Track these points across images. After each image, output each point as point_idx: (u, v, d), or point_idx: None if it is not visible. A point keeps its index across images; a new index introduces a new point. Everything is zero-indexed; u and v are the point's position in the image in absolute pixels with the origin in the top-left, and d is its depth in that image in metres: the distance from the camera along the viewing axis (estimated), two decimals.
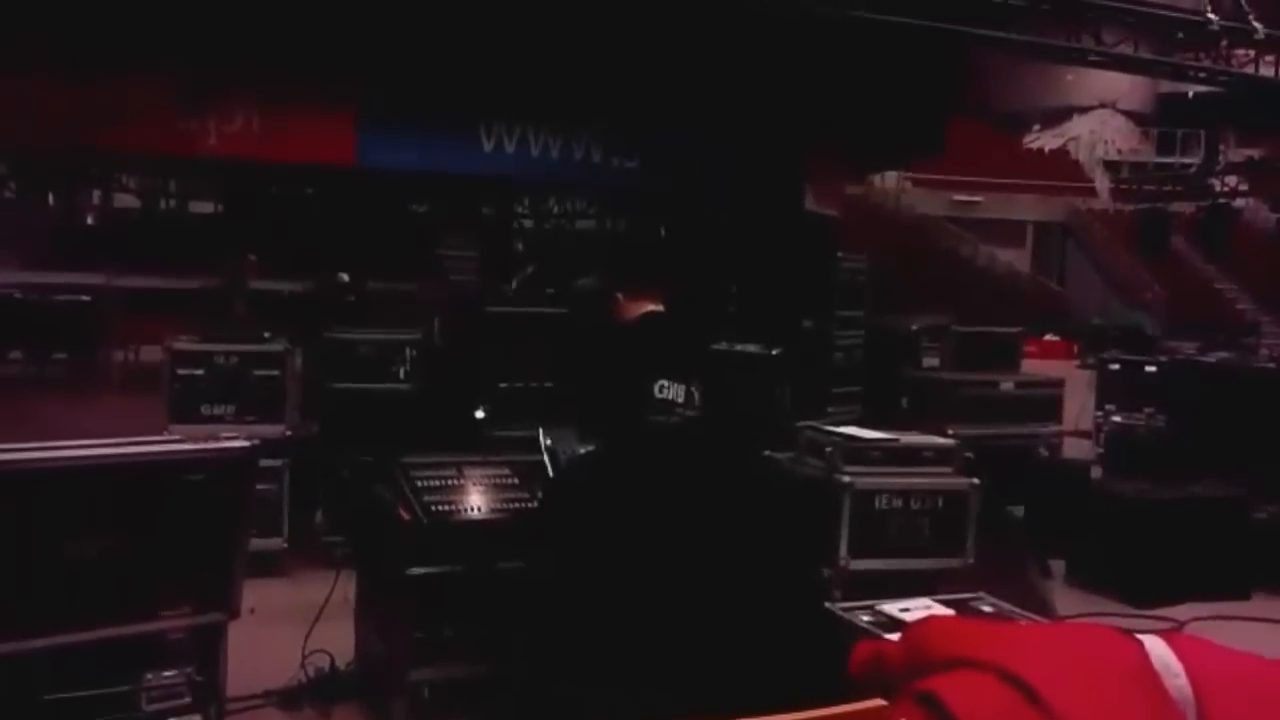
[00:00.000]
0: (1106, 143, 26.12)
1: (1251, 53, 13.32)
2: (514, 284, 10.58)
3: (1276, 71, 13.42)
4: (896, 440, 4.88)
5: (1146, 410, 9.86)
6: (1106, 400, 10.63)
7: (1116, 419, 10.20)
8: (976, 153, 27.29)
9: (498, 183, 15.45)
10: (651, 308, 3.83)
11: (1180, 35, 12.41)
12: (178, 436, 3.98)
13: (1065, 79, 18.45)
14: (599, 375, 3.91)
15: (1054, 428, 9.08)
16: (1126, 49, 12.41)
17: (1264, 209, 30.12)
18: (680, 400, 3.63)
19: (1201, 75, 13.51)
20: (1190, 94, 18.02)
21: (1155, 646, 1.91)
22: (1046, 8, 11.30)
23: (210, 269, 10.83)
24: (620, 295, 3.88)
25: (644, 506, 3.56)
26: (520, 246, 18.28)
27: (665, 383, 3.62)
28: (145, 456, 3.32)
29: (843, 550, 4.56)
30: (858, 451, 4.75)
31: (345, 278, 9.42)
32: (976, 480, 4.84)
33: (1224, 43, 12.75)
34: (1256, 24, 12.42)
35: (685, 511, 3.63)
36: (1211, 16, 11.99)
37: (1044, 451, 8.76)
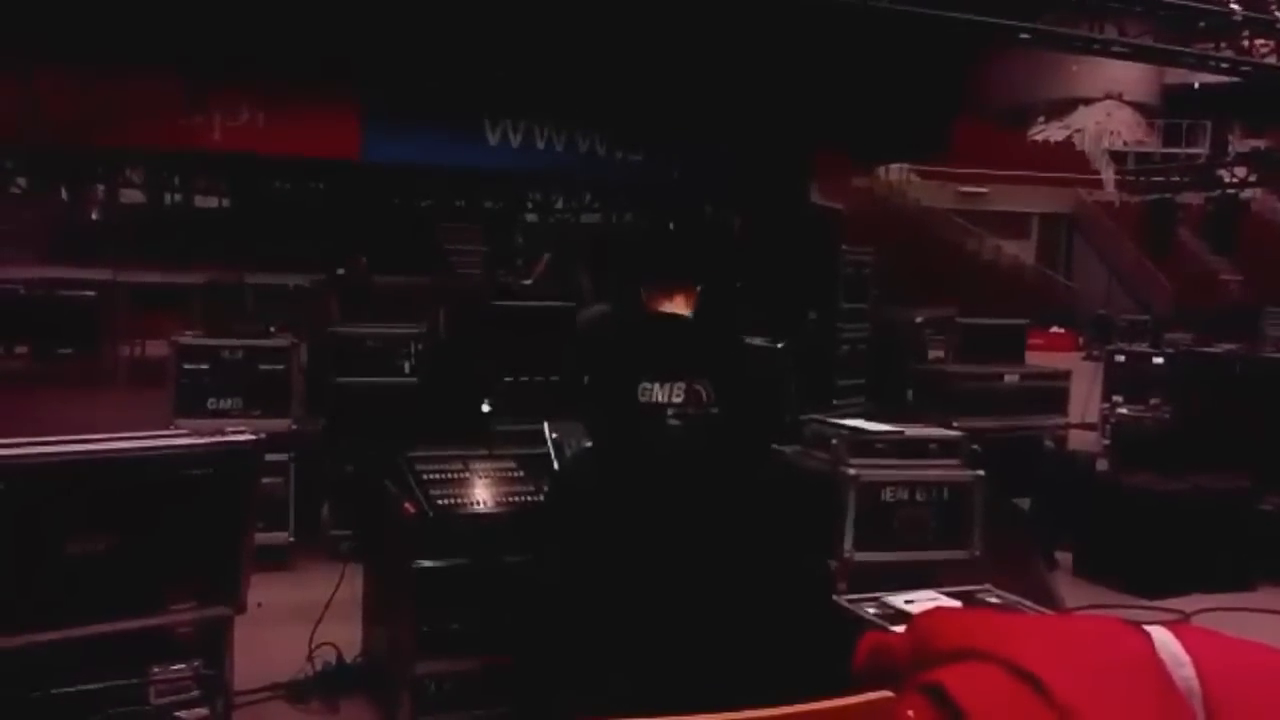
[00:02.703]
0: (1112, 134, 25.99)
1: (1270, 43, 13.25)
2: (531, 279, 10.53)
3: None
4: (901, 433, 4.87)
5: (1153, 402, 9.85)
6: (1113, 392, 10.63)
7: (1123, 411, 10.19)
8: (982, 145, 27.22)
9: (502, 177, 15.49)
10: (673, 309, 3.71)
11: (1202, 25, 12.38)
12: (183, 431, 3.99)
13: (1070, 70, 18.36)
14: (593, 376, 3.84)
15: (1060, 420, 9.07)
16: (1148, 40, 12.38)
17: (1272, 199, 30.01)
18: (679, 399, 3.55)
19: (1224, 66, 13.47)
20: (1196, 85, 17.93)
21: (1162, 637, 1.91)
22: None
23: (213, 265, 10.87)
24: (647, 292, 3.76)
25: (650, 499, 3.55)
26: (520, 240, 18.28)
27: (648, 385, 3.51)
28: (151, 451, 3.32)
29: (848, 543, 4.55)
30: (863, 444, 4.74)
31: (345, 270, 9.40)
32: (982, 472, 4.83)
33: (1245, 33, 12.71)
34: (1279, 14, 12.38)
35: (691, 504, 3.62)
36: (1234, 6, 11.96)
37: (1050, 443, 8.75)
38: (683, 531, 3.53)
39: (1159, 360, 10.37)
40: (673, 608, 3.47)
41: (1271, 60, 13.33)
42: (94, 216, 17.22)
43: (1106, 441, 10.08)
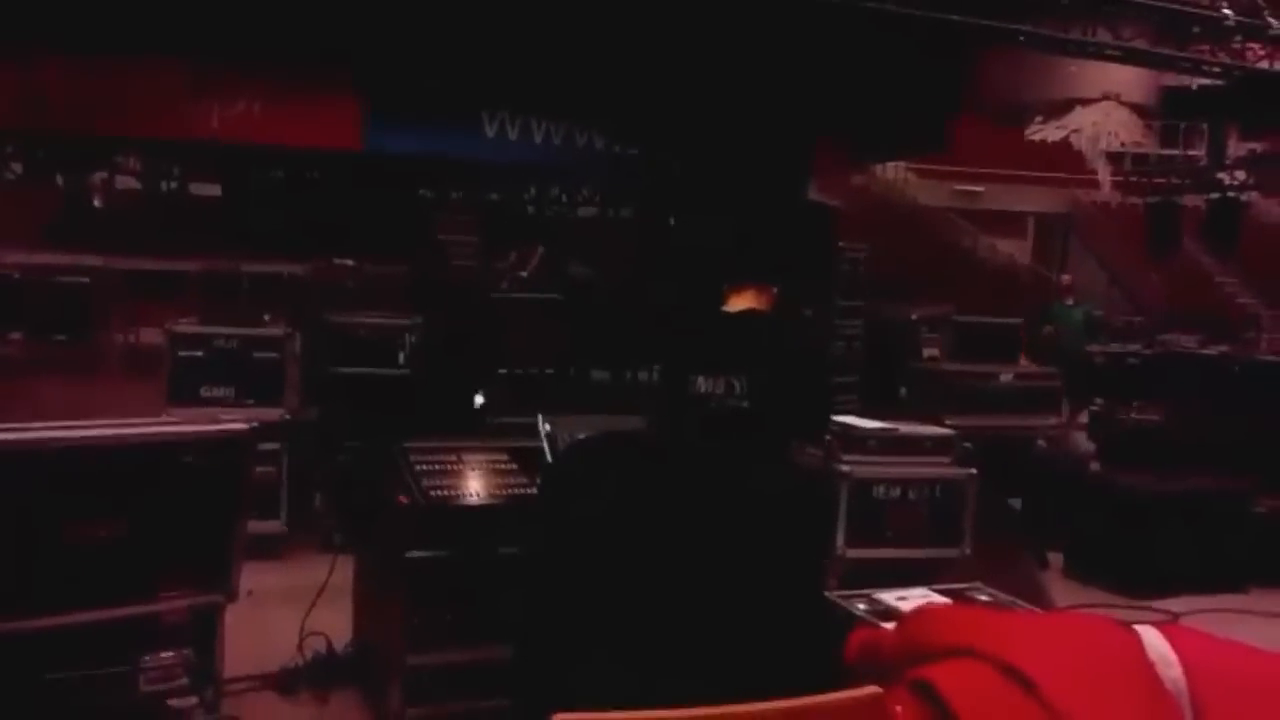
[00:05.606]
0: (1110, 135, 25.98)
1: (1262, 48, 13.26)
2: (526, 272, 10.51)
3: None
4: (895, 430, 4.88)
5: (1146, 403, 9.86)
6: (1103, 393, 10.61)
7: (1113, 412, 10.18)
8: (979, 144, 27.21)
9: (500, 169, 15.48)
10: (745, 304, 3.85)
11: (1196, 30, 12.38)
12: (177, 419, 3.98)
13: (1068, 71, 18.38)
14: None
15: (1053, 419, 9.08)
16: (1142, 43, 12.38)
17: (1271, 203, 30.03)
18: (720, 391, 3.67)
19: (1216, 70, 13.48)
20: (1194, 86, 17.97)
21: (1150, 637, 1.91)
22: (1065, 2, 11.26)
23: (210, 253, 10.85)
24: (727, 288, 3.89)
25: (655, 490, 3.56)
26: (519, 232, 18.26)
27: (695, 378, 3.66)
28: (144, 438, 3.32)
29: (839, 539, 4.56)
30: (856, 440, 4.75)
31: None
32: (974, 470, 4.84)
33: (1238, 38, 12.71)
34: (1271, 20, 12.38)
35: (689, 500, 3.62)
36: (1227, 12, 11.97)
37: (1042, 443, 8.76)
38: (681, 524, 3.54)
39: (1154, 361, 10.37)
40: (666, 600, 3.47)
41: (1264, 65, 13.34)
42: (90, 203, 17.15)
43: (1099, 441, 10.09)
